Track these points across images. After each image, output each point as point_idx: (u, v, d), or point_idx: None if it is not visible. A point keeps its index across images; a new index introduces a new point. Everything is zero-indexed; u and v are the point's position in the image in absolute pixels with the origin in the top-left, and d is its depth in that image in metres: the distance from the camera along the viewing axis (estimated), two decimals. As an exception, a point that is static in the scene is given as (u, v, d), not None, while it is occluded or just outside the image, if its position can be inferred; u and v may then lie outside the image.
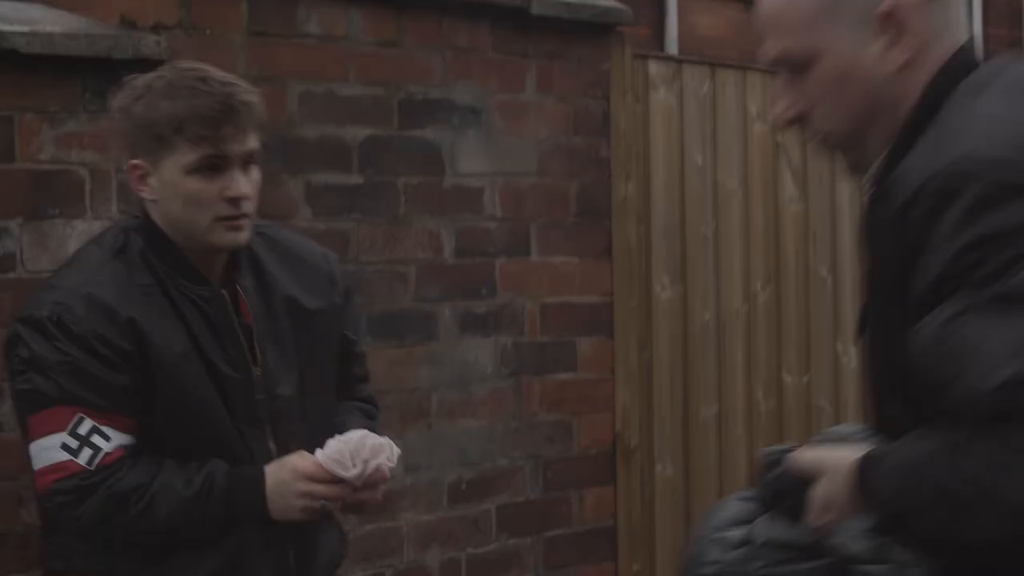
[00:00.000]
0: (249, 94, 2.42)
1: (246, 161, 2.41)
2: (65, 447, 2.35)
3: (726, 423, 4.72)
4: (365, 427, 2.53)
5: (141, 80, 2.46)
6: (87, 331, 2.34)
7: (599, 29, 4.36)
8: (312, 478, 2.38)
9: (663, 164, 4.62)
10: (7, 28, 3.16)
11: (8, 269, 3.21)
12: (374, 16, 3.84)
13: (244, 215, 2.41)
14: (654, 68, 4.63)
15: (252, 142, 2.42)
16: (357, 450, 2.39)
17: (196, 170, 2.37)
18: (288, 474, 2.40)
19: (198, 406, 2.42)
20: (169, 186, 2.39)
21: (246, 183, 2.40)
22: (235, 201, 2.38)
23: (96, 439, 2.36)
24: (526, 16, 4.15)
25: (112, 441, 2.37)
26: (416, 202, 3.95)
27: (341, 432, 2.46)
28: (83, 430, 2.35)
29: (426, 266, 3.95)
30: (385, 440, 2.44)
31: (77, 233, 3.28)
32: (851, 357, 5.10)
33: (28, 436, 2.41)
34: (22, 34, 3.17)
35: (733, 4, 12.62)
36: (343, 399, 2.68)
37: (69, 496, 2.37)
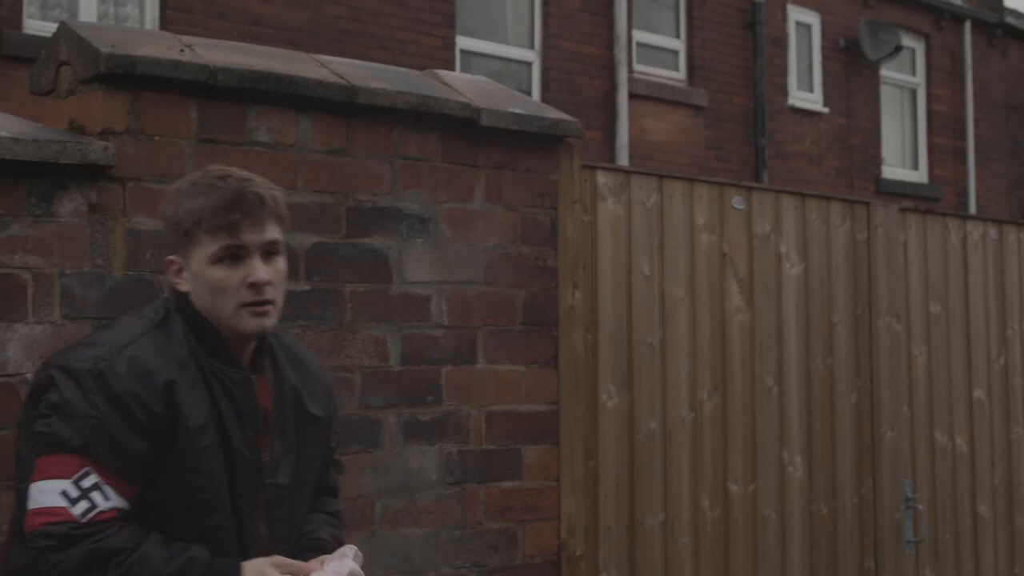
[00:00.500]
0: (264, 189, 2.61)
1: (267, 251, 2.59)
2: (64, 495, 2.43)
3: (672, 532, 4.71)
4: (333, 539, 2.78)
5: (174, 184, 2.68)
6: (126, 390, 2.46)
7: (548, 140, 4.43)
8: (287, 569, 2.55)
9: (610, 273, 4.67)
10: (-46, 132, 3.17)
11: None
12: (324, 125, 3.89)
13: (268, 301, 2.58)
14: (602, 178, 4.69)
15: (270, 233, 2.60)
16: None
17: (218, 260, 2.55)
18: (265, 569, 2.54)
19: (206, 476, 2.53)
20: (198, 277, 2.57)
21: (267, 270, 2.57)
22: (257, 287, 2.55)
23: (96, 495, 2.44)
24: (475, 127, 4.22)
25: (110, 501, 2.46)
26: (362, 309, 3.97)
27: (311, 536, 2.73)
28: (87, 483, 2.44)
29: (371, 373, 3.96)
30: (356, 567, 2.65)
31: (18, 337, 3.28)
32: (796, 466, 5.12)
33: (31, 476, 2.48)
34: (-31, 139, 3.19)
35: (682, 109, 12.89)
36: (313, 507, 2.85)
37: (54, 541, 2.44)
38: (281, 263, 2.64)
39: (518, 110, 4.35)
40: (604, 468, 4.56)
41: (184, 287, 2.61)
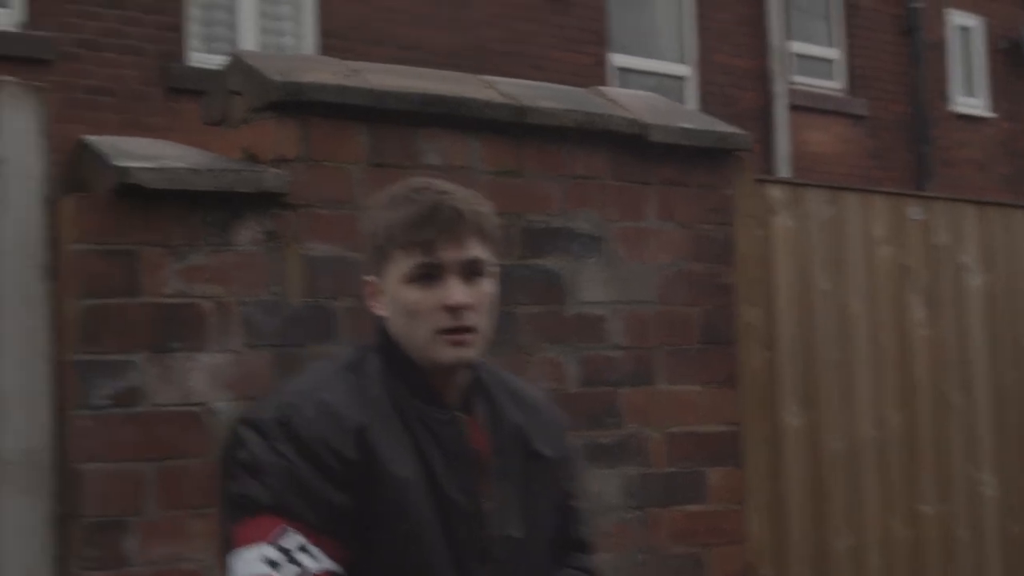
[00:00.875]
0: (465, 203, 2.27)
1: (468, 271, 2.26)
2: (267, 560, 2.11)
3: (862, 555, 4.53)
4: None
5: (372, 199, 2.39)
6: (314, 436, 2.18)
7: (718, 154, 4.31)
8: None
9: (787, 288, 4.52)
10: (133, 164, 3.20)
11: (134, 403, 3.21)
12: (494, 146, 3.84)
13: (467, 328, 2.24)
14: (775, 192, 4.55)
15: (471, 250, 2.26)
16: None
17: (412, 279, 2.25)
18: None
19: (421, 532, 2.21)
20: (393, 300, 2.28)
21: (466, 293, 2.24)
22: (454, 311, 2.23)
23: (303, 557, 2.12)
24: (644, 143, 4.12)
25: (319, 563, 2.12)
26: (538, 331, 3.90)
27: None
28: (289, 544, 2.13)
29: (550, 394, 3.87)
30: None
31: (201, 366, 3.28)
32: (989, 485, 4.89)
33: (230, 546, 2.20)
34: (147, 170, 3.21)
35: (842, 119, 12.57)
36: (559, 564, 2.47)
37: None
38: (487, 285, 2.29)
39: (687, 124, 4.24)
40: (789, 490, 4.41)
41: (381, 310, 2.32)
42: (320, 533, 2.13)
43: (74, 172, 3.39)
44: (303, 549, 2.11)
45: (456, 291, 2.25)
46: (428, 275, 2.26)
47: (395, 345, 2.29)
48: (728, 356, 4.27)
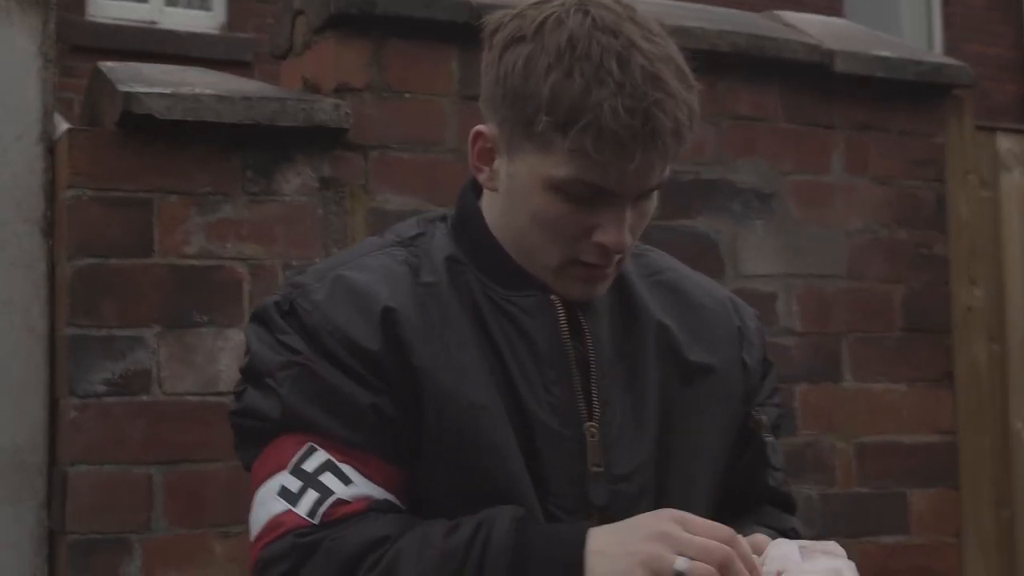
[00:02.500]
0: (682, 106, 1.54)
1: (642, 197, 1.61)
2: (284, 492, 1.53)
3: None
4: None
5: (533, 14, 1.57)
6: (320, 323, 1.56)
7: (928, 92, 3.40)
8: (689, 525, 1.45)
9: (1021, 264, 3.57)
10: (143, 89, 2.53)
11: (141, 390, 2.54)
12: (626, 76, 3.05)
13: (611, 268, 1.62)
14: (1006, 143, 3.61)
15: (660, 175, 1.58)
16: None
17: (563, 190, 1.56)
18: (646, 517, 1.48)
19: (490, 468, 1.55)
20: (520, 189, 1.60)
21: (627, 230, 1.58)
22: (606, 251, 1.59)
23: (327, 478, 1.53)
24: (828, 75, 3.26)
25: (352, 488, 1.53)
26: (685, 311, 3.07)
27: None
28: (310, 465, 1.54)
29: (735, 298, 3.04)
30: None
31: (232, 346, 2.58)
32: None
33: (252, 496, 1.58)
34: (161, 96, 2.54)
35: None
36: (739, 521, 1.68)
37: (277, 568, 1.51)
38: (652, 204, 1.65)
39: (885, 53, 3.35)
40: (1022, 520, 3.46)
41: (487, 182, 1.65)
42: (353, 447, 1.53)
43: (90, 109, 2.75)
44: (330, 468, 1.53)
45: (620, 230, 1.55)
46: (589, 197, 1.54)
47: (480, 221, 1.65)
48: (940, 348, 3.37)
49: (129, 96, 2.52)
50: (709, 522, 1.46)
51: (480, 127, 1.62)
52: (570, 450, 1.60)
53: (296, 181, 2.70)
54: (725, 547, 1.42)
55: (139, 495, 2.51)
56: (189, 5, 7.81)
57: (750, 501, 1.74)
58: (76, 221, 2.52)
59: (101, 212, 2.54)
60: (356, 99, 2.76)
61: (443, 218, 1.71)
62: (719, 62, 3.14)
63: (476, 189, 1.69)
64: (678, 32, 2.97)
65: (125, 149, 2.56)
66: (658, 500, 1.63)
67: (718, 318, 1.76)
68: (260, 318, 1.59)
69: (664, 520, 1.46)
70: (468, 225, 1.66)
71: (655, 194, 1.61)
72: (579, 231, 1.57)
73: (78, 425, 2.48)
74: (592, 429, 1.62)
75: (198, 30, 7.29)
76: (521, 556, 1.47)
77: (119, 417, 2.51)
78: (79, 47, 6.18)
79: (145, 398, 2.53)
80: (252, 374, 1.56)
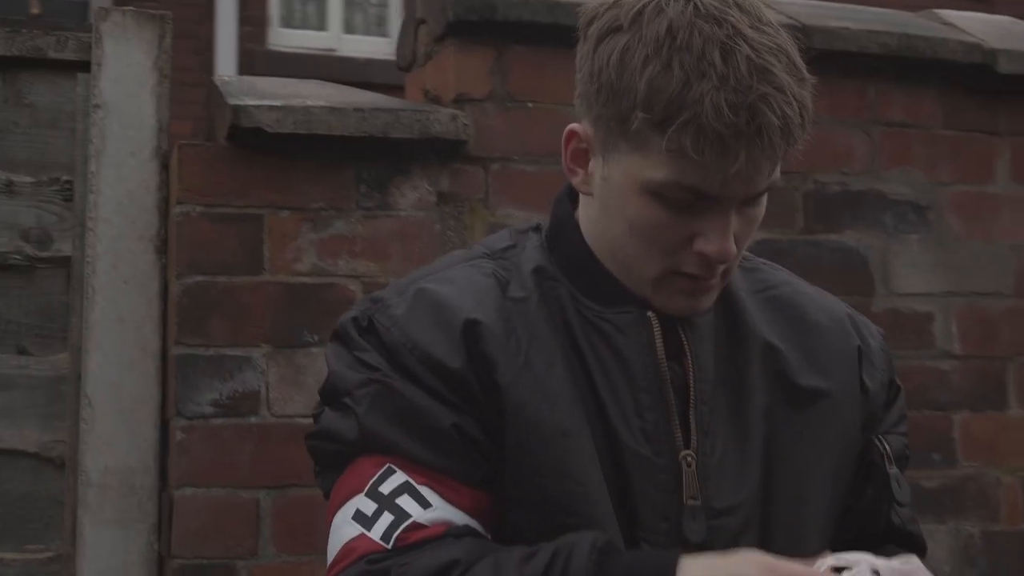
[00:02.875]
0: (792, 101, 1.38)
1: (750, 202, 1.47)
2: (359, 516, 1.43)
3: None
4: None
5: (631, 2, 1.45)
6: (398, 339, 1.46)
7: (1106, 94, 3.14)
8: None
9: None
10: (252, 102, 2.46)
11: (250, 412, 2.47)
12: (766, 82, 2.87)
13: (716, 280, 1.49)
14: None
15: (768, 178, 1.44)
16: None
17: (661, 195, 1.45)
18: (738, 559, 1.36)
19: (573, 498, 1.44)
20: (615, 194, 1.48)
21: (733, 239, 1.45)
22: (709, 261, 1.47)
23: (405, 501, 1.43)
24: (991, 77, 3.03)
25: (431, 511, 1.42)
26: (832, 331, 2.87)
27: None
28: (387, 487, 1.44)
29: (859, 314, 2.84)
30: None
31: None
32: None
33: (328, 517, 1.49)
34: (271, 108, 2.47)
35: None
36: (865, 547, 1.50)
37: None
38: (760, 209, 1.50)
39: (1056, 52, 3.10)
40: None
41: (581, 185, 1.53)
42: (433, 469, 1.43)
43: (208, 125, 2.71)
44: (408, 490, 1.42)
45: (724, 238, 1.41)
46: (689, 203, 1.42)
47: (575, 231, 1.53)
48: (1123, 372, 3.09)
49: (238, 109, 2.45)
50: (806, 570, 1.32)
51: (574, 125, 1.49)
52: (663, 481, 1.46)
53: (413, 196, 2.60)
54: None
55: (247, 520, 2.43)
56: (367, 32, 7.89)
57: (872, 541, 1.55)
58: (185, 238, 2.46)
59: (211, 228, 2.48)
60: (477, 109, 2.66)
61: (536, 228, 1.58)
62: (869, 65, 2.94)
63: (572, 196, 1.56)
64: (825, 34, 2.81)
65: (235, 164, 2.49)
66: (763, 538, 1.48)
67: (834, 337, 1.59)
68: (338, 336, 1.49)
69: (757, 568, 1.32)
70: (562, 235, 1.53)
71: (763, 199, 1.46)
72: (679, 240, 1.43)
73: (185, 447, 2.42)
74: (689, 458, 1.47)
75: (376, 56, 7.35)
76: None
77: (227, 439, 2.44)
78: (260, 75, 6.27)
79: (254, 420, 2.46)
80: (330, 394, 1.47)
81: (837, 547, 1.47)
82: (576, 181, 1.50)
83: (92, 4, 7.08)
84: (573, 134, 1.50)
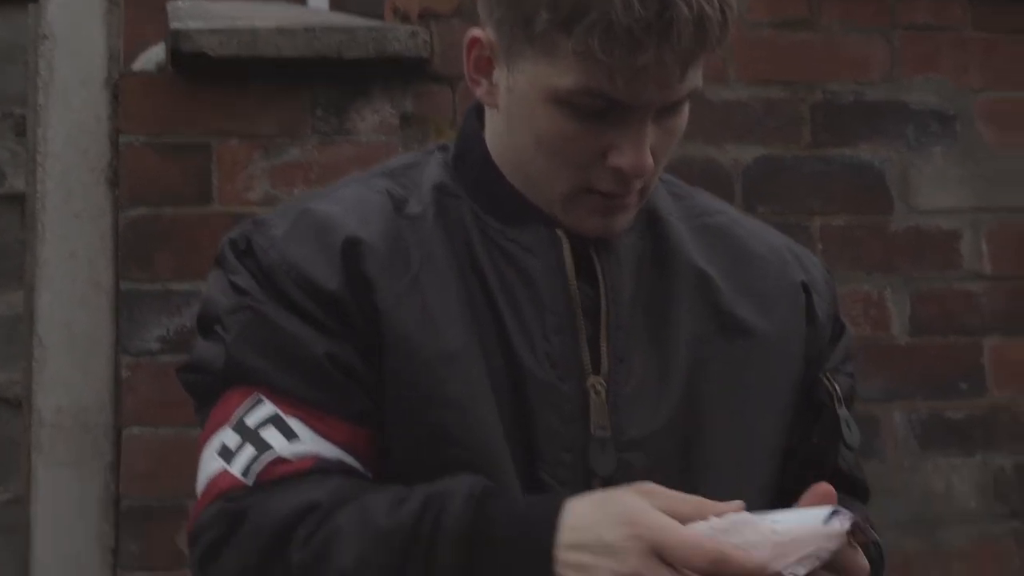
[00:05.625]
0: (714, 2, 1.28)
1: (668, 111, 1.37)
2: (223, 450, 1.32)
3: None
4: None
5: None
6: (276, 261, 1.36)
7: None
8: (669, 555, 1.19)
9: None
10: (197, 26, 2.36)
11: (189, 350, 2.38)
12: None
13: (632, 197, 1.38)
14: None
15: (688, 82, 1.33)
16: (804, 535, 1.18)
17: (571, 103, 1.34)
18: (620, 530, 1.22)
19: (456, 428, 1.33)
20: (521, 104, 1.38)
21: (649, 152, 1.35)
22: (623, 176, 1.36)
23: (269, 433, 1.32)
24: (1027, -28, 2.78)
25: (297, 444, 1.31)
26: (844, 253, 2.70)
27: None
28: (253, 419, 1.32)
29: (862, 348, 2.64)
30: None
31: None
32: None
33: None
34: (214, 32, 2.36)
35: None
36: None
37: (205, 537, 1.30)
38: (680, 120, 1.38)
39: (1104, -60, 2.82)
40: None
41: (485, 96, 1.42)
42: (302, 401, 1.32)
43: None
44: (275, 422, 1.31)
45: (639, 151, 1.31)
46: (601, 112, 1.31)
47: (481, 146, 1.42)
48: None
49: (179, 34, 2.36)
50: (690, 541, 1.18)
51: (475, 31, 1.36)
52: (568, 410, 1.34)
53: (373, 119, 2.47)
54: None
55: (196, 460, 2.35)
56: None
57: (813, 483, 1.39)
58: (130, 169, 2.39)
59: (156, 159, 2.39)
60: (443, 26, 2.52)
61: (443, 147, 1.46)
62: (886, -37, 2.72)
63: (481, 112, 1.44)
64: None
65: (180, 91, 2.41)
66: (692, 479, 1.34)
67: (774, 269, 1.47)
68: (217, 259, 1.40)
69: (635, 554, 1.18)
70: (467, 151, 1.42)
71: (684, 109, 1.33)
72: (591, 154, 1.31)
73: (132, 385, 2.36)
74: (597, 386, 1.35)
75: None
76: (477, 543, 1.22)
77: (175, 377, 2.36)
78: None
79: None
80: (201, 321, 1.37)
81: (780, 493, 1.37)
82: (480, 92, 1.38)
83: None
84: (475, 41, 1.37)
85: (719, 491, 1.26)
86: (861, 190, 2.72)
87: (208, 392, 1.35)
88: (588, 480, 1.31)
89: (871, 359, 2.68)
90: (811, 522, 1.17)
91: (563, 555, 1.20)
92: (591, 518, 1.20)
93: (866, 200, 2.72)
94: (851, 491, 1.47)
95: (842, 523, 1.16)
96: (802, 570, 1.16)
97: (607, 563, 1.18)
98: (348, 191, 1.40)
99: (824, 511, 1.18)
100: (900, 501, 2.68)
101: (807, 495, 1.24)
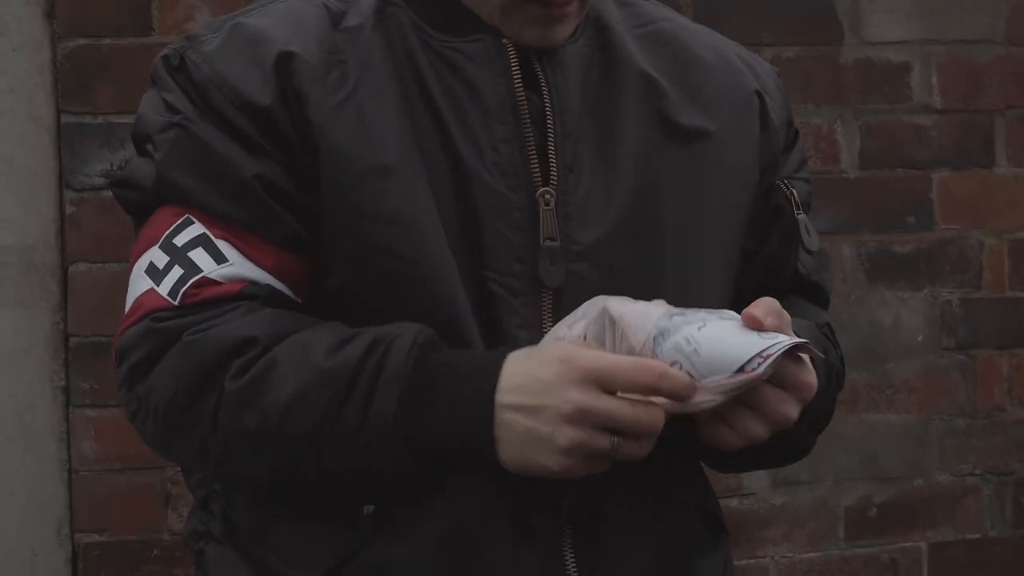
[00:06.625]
0: None
1: None
2: (151, 269, 1.33)
3: None
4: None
5: None
6: (207, 76, 1.35)
7: None
8: (606, 382, 1.23)
9: None
10: None
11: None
12: None
13: (572, 6, 1.38)
14: None
15: None
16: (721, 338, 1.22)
17: None
18: (555, 367, 1.25)
19: (396, 241, 1.32)
20: None
21: None
22: None
23: (197, 254, 1.32)
24: None
25: (226, 267, 1.32)
26: (794, 85, 2.67)
27: None
28: (182, 239, 1.33)
29: (813, 180, 2.64)
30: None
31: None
32: None
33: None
34: None
35: None
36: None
37: (132, 355, 1.31)
38: None
39: None
40: None
41: None
42: (232, 223, 1.33)
43: None
44: (203, 243, 1.32)
45: None
46: None
47: None
48: (1122, 124, 2.87)
49: None
50: (630, 365, 1.21)
51: None
52: (518, 219, 1.34)
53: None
54: (654, 410, 1.21)
55: (143, 296, 2.35)
56: None
57: (777, 291, 1.39)
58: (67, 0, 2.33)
59: (93, -12, 2.34)
60: None
61: None
62: None
63: None
64: None
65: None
66: (651, 287, 1.34)
67: (722, 75, 1.46)
68: (151, 75, 1.39)
69: (575, 387, 1.21)
70: None
71: None
72: None
73: (76, 221, 2.34)
74: (547, 196, 1.34)
75: None
76: (418, 387, 1.24)
77: (121, 212, 2.31)
78: None
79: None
80: (135, 139, 1.37)
81: (739, 302, 1.34)
82: None
83: None
84: None
85: (677, 299, 1.29)
86: (809, 20, 2.74)
87: (141, 209, 1.36)
88: (538, 291, 1.33)
89: (820, 192, 2.66)
90: (727, 366, 1.19)
91: (503, 398, 1.22)
92: (527, 363, 1.24)
93: (814, 30, 2.74)
94: (812, 296, 1.50)
95: (759, 367, 1.19)
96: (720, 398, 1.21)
97: (548, 400, 1.21)
98: (283, 4, 1.38)
99: (746, 354, 1.20)
100: (847, 334, 2.71)
101: (753, 305, 1.26)
